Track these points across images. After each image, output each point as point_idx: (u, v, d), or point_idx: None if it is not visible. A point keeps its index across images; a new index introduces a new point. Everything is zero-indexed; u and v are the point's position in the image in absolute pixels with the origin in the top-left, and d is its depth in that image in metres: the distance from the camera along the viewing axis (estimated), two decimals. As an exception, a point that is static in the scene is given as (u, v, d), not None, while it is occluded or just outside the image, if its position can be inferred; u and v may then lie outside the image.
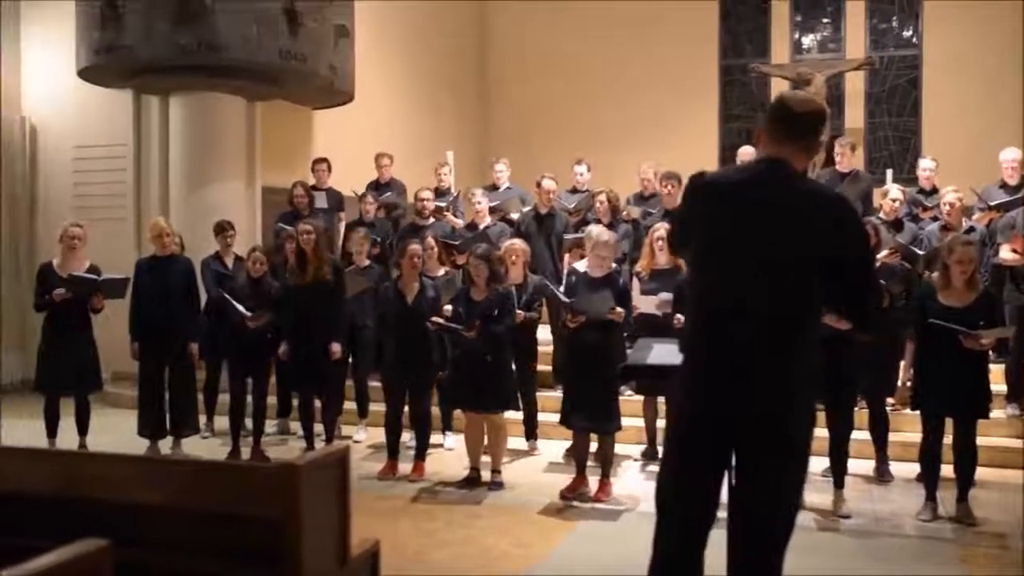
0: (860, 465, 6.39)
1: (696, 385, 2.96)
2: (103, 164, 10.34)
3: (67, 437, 6.93)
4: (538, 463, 7.10)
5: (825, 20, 14.09)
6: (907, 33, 13.76)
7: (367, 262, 7.77)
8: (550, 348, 7.86)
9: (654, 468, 3.19)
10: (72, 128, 10.47)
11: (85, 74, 9.56)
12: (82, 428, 7.01)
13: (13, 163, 10.52)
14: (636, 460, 7.02)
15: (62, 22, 9.85)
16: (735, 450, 2.94)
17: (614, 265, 6.40)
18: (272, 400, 7.82)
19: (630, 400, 7.13)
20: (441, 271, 7.39)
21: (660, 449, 3.75)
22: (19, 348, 10.22)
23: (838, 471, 5.76)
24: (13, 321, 10.23)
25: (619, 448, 6.46)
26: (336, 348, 6.95)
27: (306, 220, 7.34)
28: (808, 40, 14.21)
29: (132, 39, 8.95)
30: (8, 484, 2.85)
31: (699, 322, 3.02)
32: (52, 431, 6.96)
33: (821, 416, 5.75)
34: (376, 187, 9.48)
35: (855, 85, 13.61)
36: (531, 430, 7.44)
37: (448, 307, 6.58)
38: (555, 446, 7.26)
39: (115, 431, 7.41)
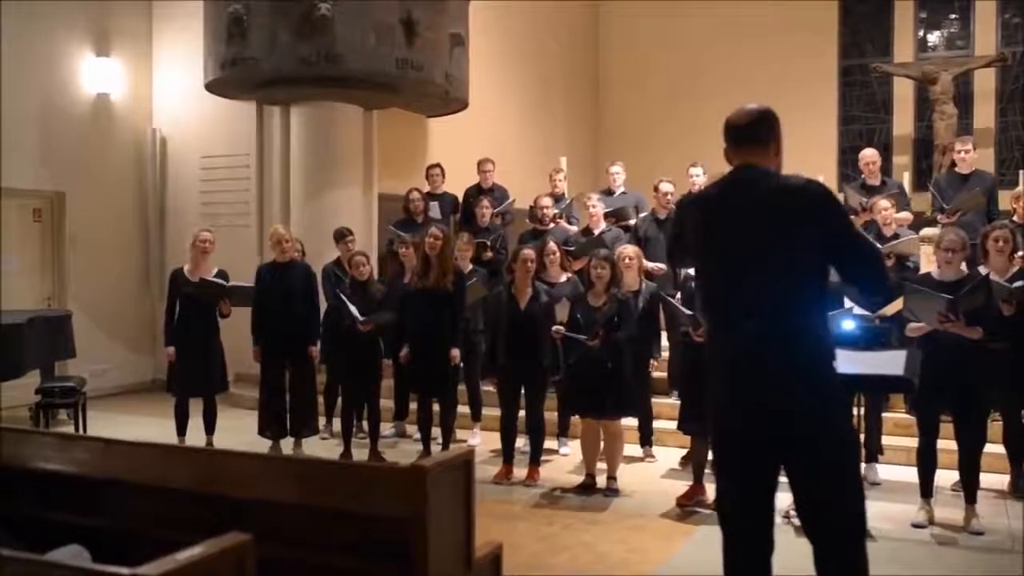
0: (994, 480, 6.10)
1: (723, 389, 3.10)
2: (227, 173, 10.69)
3: (193, 436, 7.18)
4: (654, 470, 7.03)
5: (952, 16, 13.55)
6: (1042, 28, 13.15)
7: (470, 267, 7.81)
8: (666, 355, 7.76)
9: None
10: (198, 139, 10.86)
11: (212, 87, 9.90)
12: (209, 427, 7.26)
13: (145, 173, 10.99)
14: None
15: (189, 38, 10.22)
16: (782, 452, 3.03)
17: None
18: (388, 403, 7.95)
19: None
20: (563, 277, 7.34)
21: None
22: (149, 351, 10.67)
23: (970, 485, 5.49)
24: (145, 324, 10.68)
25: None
26: (456, 353, 7.00)
27: (435, 226, 7.39)
28: (934, 37, 13.69)
29: (256, 52, 9.24)
30: (149, 478, 2.96)
31: (715, 329, 3.18)
32: (182, 429, 7.23)
33: (950, 428, 5.55)
34: (479, 192, 9.53)
35: (985, 83, 13.05)
36: (646, 436, 7.37)
37: (562, 311, 6.50)
38: (671, 453, 7.17)
39: (238, 431, 7.65)
